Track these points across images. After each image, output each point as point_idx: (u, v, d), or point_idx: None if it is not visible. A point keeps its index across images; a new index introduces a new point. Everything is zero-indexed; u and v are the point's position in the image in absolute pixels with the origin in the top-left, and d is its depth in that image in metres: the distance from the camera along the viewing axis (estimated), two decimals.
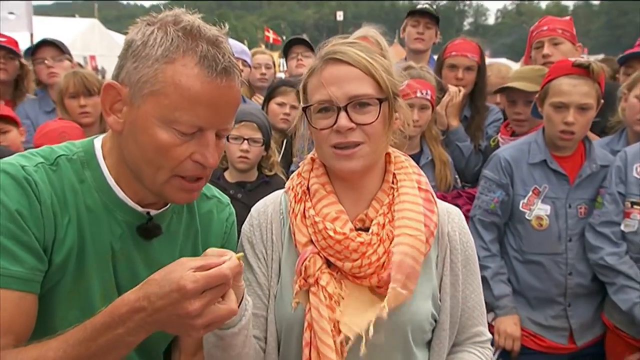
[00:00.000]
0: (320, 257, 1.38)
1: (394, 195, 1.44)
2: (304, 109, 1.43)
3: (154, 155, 1.19)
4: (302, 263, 1.38)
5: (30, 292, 1.13)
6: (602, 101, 2.50)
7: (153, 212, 1.33)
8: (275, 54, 7.70)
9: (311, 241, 1.40)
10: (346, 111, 1.35)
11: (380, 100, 1.38)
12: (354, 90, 1.36)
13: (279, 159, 2.98)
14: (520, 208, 2.58)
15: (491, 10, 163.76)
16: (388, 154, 1.50)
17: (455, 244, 1.48)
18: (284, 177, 2.78)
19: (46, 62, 3.90)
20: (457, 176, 3.00)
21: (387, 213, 1.42)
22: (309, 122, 1.42)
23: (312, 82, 1.42)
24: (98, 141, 1.31)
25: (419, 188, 1.45)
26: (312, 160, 1.52)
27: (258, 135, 2.70)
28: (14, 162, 1.17)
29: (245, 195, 2.67)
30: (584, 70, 2.45)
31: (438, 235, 1.47)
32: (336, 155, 1.39)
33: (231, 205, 1.54)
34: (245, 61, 4.17)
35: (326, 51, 1.41)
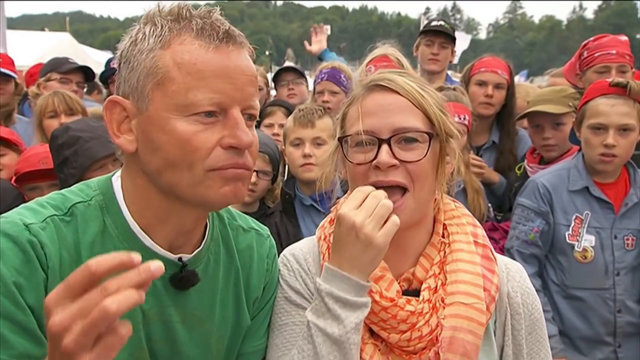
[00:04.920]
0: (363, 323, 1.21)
1: (445, 252, 1.27)
2: (340, 140, 1.29)
3: (178, 154, 1.06)
4: None
5: None
6: None
7: (185, 256, 1.17)
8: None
9: None
10: (389, 145, 1.20)
11: (431, 136, 1.22)
12: (400, 122, 1.21)
13: None
14: (567, 240, 2.47)
15: (483, 24, 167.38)
16: (435, 200, 1.34)
17: (516, 307, 1.29)
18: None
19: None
20: (489, 205, 2.89)
21: (439, 274, 1.25)
22: (345, 156, 1.28)
23: (351, 111, 1.29)
24: (117, 179, 1.18)
25: (476, 242, 1.28)
26: None
27: (268, 168, 2.62)
28: (17, 220, 1.05)
29: None
30: (622, 90, 2.37)
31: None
32: None
33: (271, 237, 1.43)
34: None
35: (371, 78, 1.29)
